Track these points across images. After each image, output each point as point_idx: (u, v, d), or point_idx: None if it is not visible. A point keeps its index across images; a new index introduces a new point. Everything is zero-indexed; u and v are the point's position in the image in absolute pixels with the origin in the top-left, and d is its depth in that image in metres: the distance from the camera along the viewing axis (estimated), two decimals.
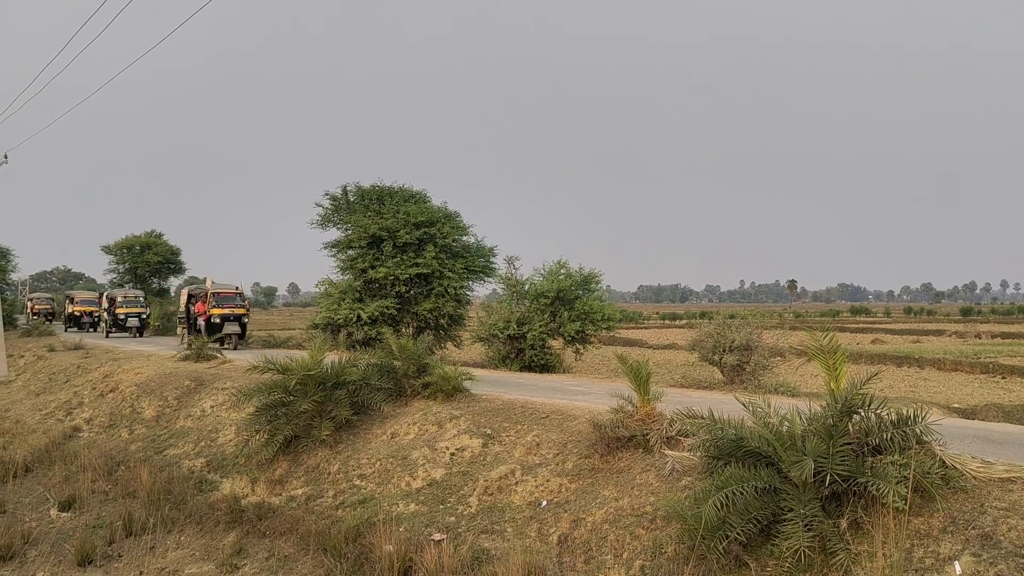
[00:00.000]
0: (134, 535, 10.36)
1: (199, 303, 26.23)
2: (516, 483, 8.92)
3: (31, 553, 10.35)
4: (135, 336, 34.77)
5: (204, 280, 29.99)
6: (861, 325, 67.05)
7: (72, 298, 45.01)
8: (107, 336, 34.87)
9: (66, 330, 41.73)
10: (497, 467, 9.35)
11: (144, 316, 35.99)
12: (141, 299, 37.84)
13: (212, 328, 24.94)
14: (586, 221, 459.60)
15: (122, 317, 35.40)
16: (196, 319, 26.30)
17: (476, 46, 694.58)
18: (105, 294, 38.89)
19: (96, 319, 40.84)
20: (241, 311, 25.79)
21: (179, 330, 28.71)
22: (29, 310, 53.64)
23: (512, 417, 10.66)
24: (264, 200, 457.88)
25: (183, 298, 28.34)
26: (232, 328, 25.28)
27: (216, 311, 25.25)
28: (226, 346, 24.49)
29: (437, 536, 8.32)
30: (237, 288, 26.71)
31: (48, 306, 54.14)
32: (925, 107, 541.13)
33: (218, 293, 25.84)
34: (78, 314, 42.45)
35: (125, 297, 36.98)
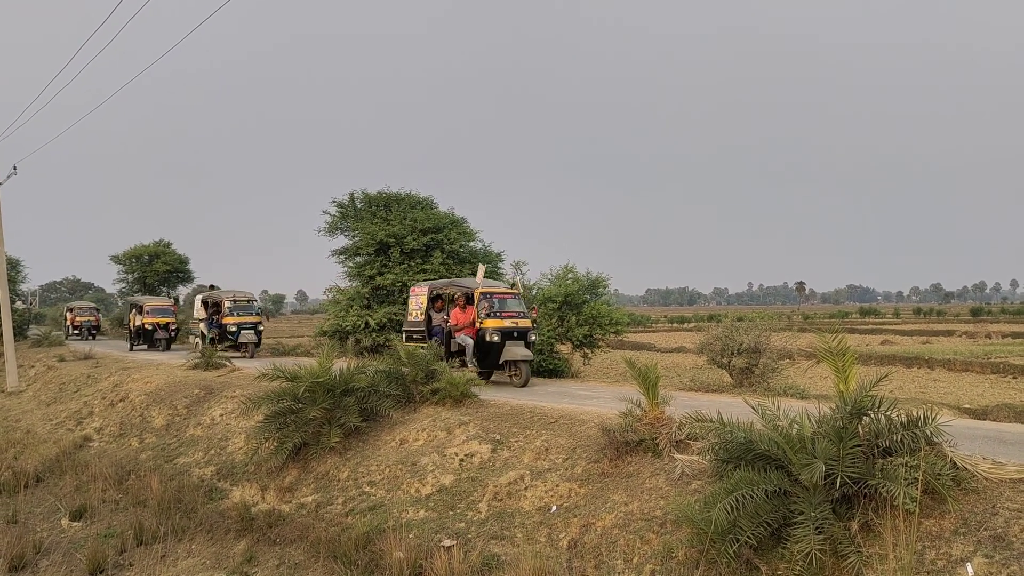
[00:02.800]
0: (145, 544, 10.40)
1: (456, 309, 16.22)
2: (525, 488, 8.92)
3: (43, 563, 10.41)
4: (250, 356, 24.71)
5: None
6: (870, 326, 66.62)
7: (141, 307, 32.69)
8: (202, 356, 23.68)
9: (131, 348, 31.68)
10: (506, 472, 9.35)
11: (261, 327, 26.39)
12: (255, 303, 27.10)
13: (484, 349, 15.41)
14: (593, 225, 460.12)
15: (233, 330, 25.12)
16: (449, 332, 16.02)
17: (478, 47, 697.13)
18: (201, 297, 28.09)
19: (173, 333, 31.77)
20: (526, 323, 15.80)
21: (401, 345, 17.24)
22: (69, 323, 44.49)
23: (521, 422, 10.65)
24: (272, 207, 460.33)
25: (417, 298, 17.62)
26: (519, 351, 15.22)
27: (491, 323, 15.36)
28: (512, 377, 15.38)
29: (447, 542, 8.32)
30: (514, 288, 17.19)
31: (93, 318, 44.50)
32: (930, 105, 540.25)
33: (492, 294, 16.01)
34: (150, 327, 31.70)
35: (235, 301, 25.79)
